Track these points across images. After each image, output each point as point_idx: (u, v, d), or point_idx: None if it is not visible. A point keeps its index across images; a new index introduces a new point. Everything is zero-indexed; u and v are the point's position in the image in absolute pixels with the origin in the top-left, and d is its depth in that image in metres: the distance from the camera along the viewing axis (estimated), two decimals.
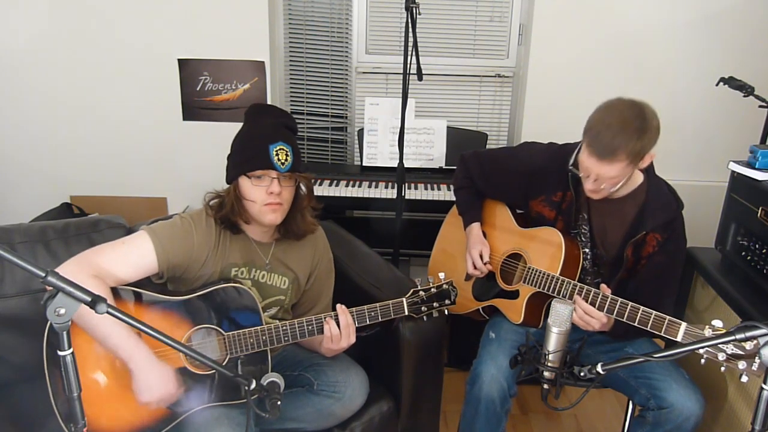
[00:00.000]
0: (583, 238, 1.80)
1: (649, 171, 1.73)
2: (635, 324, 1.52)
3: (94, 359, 1.44)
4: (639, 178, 1.72)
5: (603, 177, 1.57)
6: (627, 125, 1.50)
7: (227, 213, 1.55)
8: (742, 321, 1.26)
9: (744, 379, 1.22)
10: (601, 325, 1.61)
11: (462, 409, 1.79)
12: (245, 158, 1.52)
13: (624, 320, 1.54)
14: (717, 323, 1.32)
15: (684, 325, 1.41)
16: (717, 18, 2.86)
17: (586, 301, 1.60)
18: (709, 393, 1.74)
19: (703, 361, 1.30)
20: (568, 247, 1.74)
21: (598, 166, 1.55)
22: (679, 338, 1.42)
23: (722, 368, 1.29)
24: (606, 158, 1.53)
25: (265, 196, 1.51)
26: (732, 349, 1.26)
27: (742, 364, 1.24)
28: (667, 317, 1.46)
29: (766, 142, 2.52)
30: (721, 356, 1.26)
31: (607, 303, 1.57)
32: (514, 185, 1.90)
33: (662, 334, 1.47)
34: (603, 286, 1.62)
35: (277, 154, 1.49)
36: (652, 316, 1.48)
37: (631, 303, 1.53)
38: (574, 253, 1.76)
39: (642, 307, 1.51)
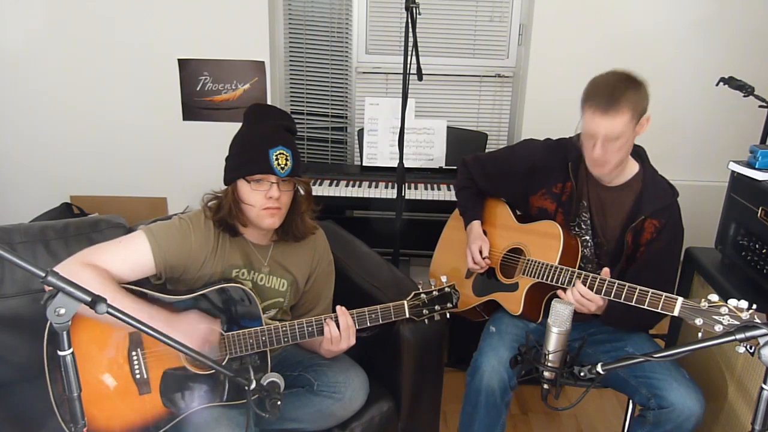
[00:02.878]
0: (583, 226, 1.81)
1: (644, 160, 1.77)
2: (632, 303, 1.52)
3: (94, 359, 1.44)
4: (635, 167, 1.75)
5: (610, 135, 1.58)
6: (622, 78, 1.60)
7: (225, 216, 1.54)
8: (743, 310, 1.26)
9: (740, 350, 1.22)
10: (597, 307, 1.62)
11: (462, 402, 1.79)
12: (244, 162, 1.51)
13: (621, 300, 1.55)
14: (713, 297, 1.32)
15: (680, 299, 1.42)
16: (717, 18, 2.86)
17: (585, 286, 1.61)
18: (709, 393, 1.74)
19: (700, 334, 1.30)
20: (566, 237, 1.76)
21: (604, 121, 1.57)
22: (676, 313, 1.42)
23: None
24: (611, 108, 1.56)
25: (264, 201, 1.51)
26: (728, 320, 1.27)
27: (739, 335, 1.24)
28: (664, 294, 1.47)
29: (766, 142, 2.52)
30: (718, 328, 1.27)
31: (605, 286, 1.58)
32: (516, 182, 1.92)
33: (659, 310, 1.47)
34: (605, 270, 1.63)
35: (276, 159, 1.48)
36: (649, 294, 1.49)
37: (628, 284, 1.54)
38: (572, 243, 1.78)
39: (639, 287, 1.52)
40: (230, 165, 1.55)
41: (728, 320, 1.27)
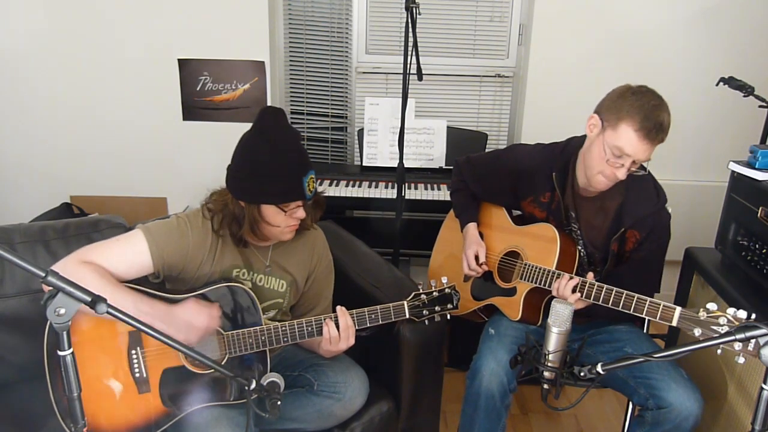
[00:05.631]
0: (575, 236, 1.81)
1: None
2: (630, 311, 1.53)
3: (94, 358, 1.44)
4: None
5: (640, 160, 1.59)
6: (664, 104, 1.58)
7: (243, 233, 1.54)
8: (742, 321, 1.26)
9: (741, 360, 1.22)
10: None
11: (462, 405, 1.79)
12: (280, 190, 1.48)
13: (620, 309, 1.55)
14: (711, 306, 1.32)
15: (679, 309, 1.42)
16: (717, 18, 2.86)
17: (582, 293, 1.62)
18: (709, 393, 1.73)
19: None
20: (564, 241, 1.75)
21: (645, 149, 1.56)
22: (674, 323, 1.42)
23: (719, 351, 1.29)
24: (657, 138, 1.56)
25: (290, 220, 1.52)
26: (726, 329, 1.26)
27: (738, 345, 1.23)
28: (662, 303, 1.47)
29: (766, 142, 2.52)
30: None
31: (602, 293, 1.58)
32: (504, 187, 1.92)
33: (658, 320, 1.47)
34: (590, 274, 1.64)
35: (308, 185, 1.50)
36: (647, 303, 1.50)
37: (626, 292, 1.54)
38: (570, 248, 1.77)
39: (637, 295, 1.52)
40: (258, 189, 1.49)
41: (726, 329, 1.26)
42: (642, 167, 1.62)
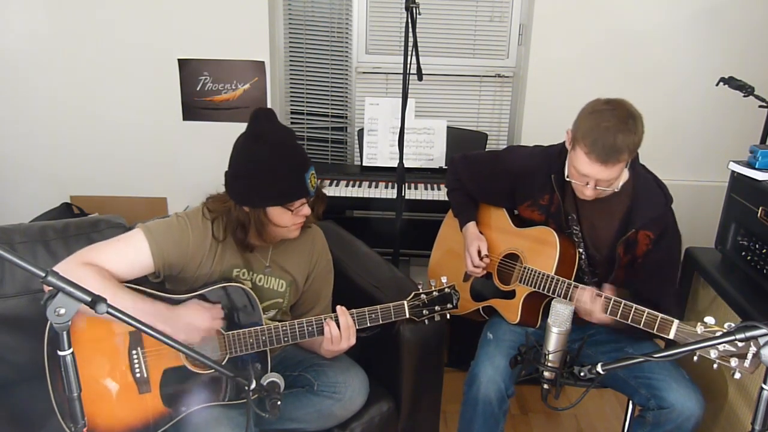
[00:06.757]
0: (575, 239, 1.80)
1: (635, 166, 1.72)
2: (628, 322, 1.53)
3: (95, 358, 1.44)
4: (625, 174, 1.70)
5: (603, 180, 1.58)
6: (623, 124, 1.51)
7: (250, 238, 1.54)
8: (742, 321, 1.26)
9: (737, 375, 1.22)
10: (598, 320, 1.61)
11: (460, 410, 1.79)
12: (283, 191, 1.48)
13: (617, 318, 1.55)
14: (709, 320, 1.32)
15: (676, 322, 1.42)
16: (717, 18, 2.86)
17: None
18: (709, 393, 1.74)
19: (696, 358, 1.30)
20: (564, 246, 1.74)
21: (602, 170, 1.55)
22: (671, 336, 1.42)
23: (714, 365, 1.29)
24: (611, 161, 1.53)
25: (296, 218, 1.53)
26: (724, 347, 1.26)
27: (734, 362, 1.24)
28: (660, 315, 1.47)
29: (766, 142, 2.52)
30: (713, 354, 1.27)
31: (600, 301, 1.57)
32: (500, 189, 1.91)
33: (655, 332, 1.47)
34: (606, 286, 1.62)
35: (309, 181, 1.50)
36: (645, 314, 1.49)
37: (624, 301, 1.54)
38: (569, 252, 1.76)
39: (635, 306, 1.52)
40: (261, 192, 1.48)
41: (724, 346, 1.26)
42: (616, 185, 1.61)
